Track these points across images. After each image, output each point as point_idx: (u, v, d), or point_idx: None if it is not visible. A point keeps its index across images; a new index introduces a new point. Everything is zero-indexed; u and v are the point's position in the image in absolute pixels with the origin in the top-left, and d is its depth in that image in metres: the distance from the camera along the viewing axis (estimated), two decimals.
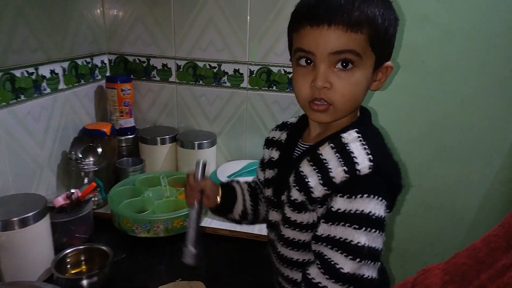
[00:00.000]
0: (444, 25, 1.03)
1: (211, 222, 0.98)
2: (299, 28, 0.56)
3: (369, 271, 0.56)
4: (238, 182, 0.80)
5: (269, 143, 0.72)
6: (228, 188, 0.76)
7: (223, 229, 0.97)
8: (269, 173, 0.70)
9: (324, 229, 0.57)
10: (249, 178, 1.03)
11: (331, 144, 0.58)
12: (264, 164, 0.73)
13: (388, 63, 0.60)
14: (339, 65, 0.56)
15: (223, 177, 1.07)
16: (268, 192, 0.70)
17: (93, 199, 0.98)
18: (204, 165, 0.71)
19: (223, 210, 0.76)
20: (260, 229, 0.97)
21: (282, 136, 0.70)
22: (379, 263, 0.57)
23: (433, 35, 1.04)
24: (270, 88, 1.16)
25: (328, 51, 0.55)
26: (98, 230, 0.96)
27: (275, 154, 0.70)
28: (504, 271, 0.34)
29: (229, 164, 1.17)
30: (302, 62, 0.58)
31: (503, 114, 1.06)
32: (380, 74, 0.60)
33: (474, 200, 1.16)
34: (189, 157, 1.16)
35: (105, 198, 1.03)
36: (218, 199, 0.73)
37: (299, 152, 0.66)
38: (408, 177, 1.16)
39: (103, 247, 0.83)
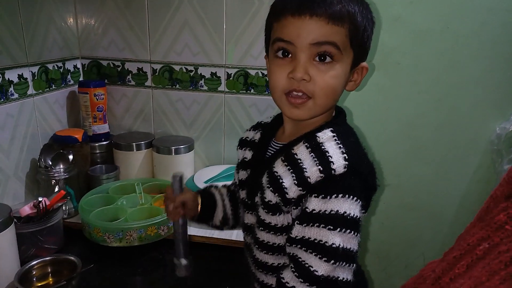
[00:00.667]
0: (417, 26, 1.04)
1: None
2: (280, 18, 0.56)
3: (344, 273, 0.54)
4: (216, 187, 0.77)
5: (242, 143, 0.71)
6: (207, 196, 0.74)
7: (199, 236, 0.94)
8: (242, 174, 0.68)
9: (298, 231, 0.55)
10: (228, 182, 1.02)
11: (306, 144, 0.56)
12: (238, 165, 0.71)
13: (364, 64, 0.60)
14: (318, 58, 0.55)
15: (200, 183, 1.04)
16: (242, 194, 0.68)
17: (63, 208, 0.94)
18: (181, 178, 0.69)
19: (204, 218, 0.73)
20: (238, 235, 0.94)
21: (256, 136, 0.69)
22: (354, 265, 0.55)
23: (407, 36, 1.05)
24: (248, 91, 1.15)
25: (308, 42, 0.54)
26: (68, 241, 0.92)
27: (248, 154, 0.68)
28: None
29: (207, 169, 1.15)
30: (280, 54, 0.57)
31: (478, 112, 1.07)
32: (355, 75, 0.60)
33: (452, 199, 1.16)
34: (166, 163, 1.13)
35: (77, 206, 0.99)
36: (199, 208, 0.71)
37: (272, 152, 0.64)
38: (383, 177, 1.16)
39: (71, 257, 0.79)
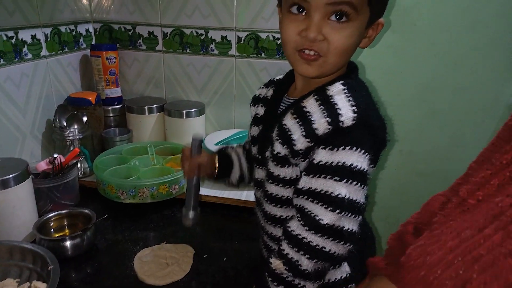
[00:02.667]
0: None
1: None
2: None
3: (349, 224, 0.55)
4: (233, 147, 0.78)
5: (255, 100, 0.71)
6: (224, 156, 0.76)
7: (210, 195, 0.96)
8: (254, 130, 0.69)
9: (305, 182, 0.56)
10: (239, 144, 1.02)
11: (316, 96, 0.56)
12: (251, 122, 0.71)
13: (380, 20, 0.58)
14: (333, 17, 0.53)
15: (211, 145, 1.05)
16: (254, 149, 0.69)
17: (78, 166, 0.97)
18: (201, 141, 0.72)
19: (221, 177, 0.75)
20: (248, 195, 0.96)
21: (269, 92, 0.68)
22: (360, 216, 0.56)
23: None
24: (259, 55, 1.14)
25: (324, 2, 0.52)
26: (84, 198, 0.95)
27: (260, 111, 0.68)
28: (484, 183, 0.32)
29: (218, 133, 1.16)
30: (294, 9, 0.55)
31: (496, 75, 1.04)
32: (370, 31, 0.58)
33: (467, 165, 1.14)
34: (177, 126, 1.15)
35: (91, 167, 1.01)
36: (216, 168, 0.73)
37: (284, 107, 0.64)
38: (396, 140, 1.14)
39: (86, 211, 0.82)
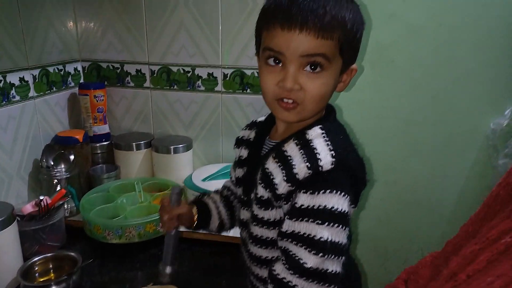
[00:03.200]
0: (411, 23, 1.04)
1: None
2: (270, 28, 0.56)
3: (333, 266, 0.56)
4: (209, 196, 0.79)
5: (239, 142, 0.73)
6: (201, 206, 0.76)
7: (197, 232, 0.96)
8: (239, 172, 0.71)
9: (288, 225, 0.57)
10: (223, 181, 1.04)
11: (296, 141, 0.58)
12: (235, 163, 0.73)
13: (353, 66, 0.61)
14: (308, 68, 0.56)
15: (198, 181, 1.06)
16: (239, 191, 0.71)
17: (65, 207, 0.97)
18: (180, 192, 0.72)
19: (200, 228, 0.76)
20: (235, 232, 0.96)
21: (251, 134, 0.71)
22: (343, 257, 0.57)
23: (401, 33, 1.06)
24: (244, 91, 1.17)
25: (298, 54, 0.54)
26: (70, 239, 0.95)
27: (244, 153, 0.70)
28: (473, 258, 0.32)
29: (205, 168, 1.17)
30: (271, 61, 0.57)
31: (474, 107, 1.08)
32: (345, 76, 0.61)
33: (450, 194, 1.16)
34: (165, 162, 1.16)
35: (78, 206, 1.01)
36: (195, 218, 0.73)
37: (266, 149, 0.66)
38: (381, 174, 1.16)
39: (72, 254, 0.81)
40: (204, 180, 1.06)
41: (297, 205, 0.56)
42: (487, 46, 1.03)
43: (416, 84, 1.10)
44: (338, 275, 0.56)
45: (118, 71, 1.22)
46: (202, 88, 1.19)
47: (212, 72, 1.17)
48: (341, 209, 0.54)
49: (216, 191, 0.81)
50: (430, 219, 1.20)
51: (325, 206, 0.54)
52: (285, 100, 0.58)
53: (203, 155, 1.25)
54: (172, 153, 1.14)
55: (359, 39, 0.59)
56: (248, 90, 1.16)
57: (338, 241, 0.55)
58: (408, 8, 1.04)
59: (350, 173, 0.57)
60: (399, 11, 1.04)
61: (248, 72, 1.15)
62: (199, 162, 1.25)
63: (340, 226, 0.55)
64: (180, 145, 1.15)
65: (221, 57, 1.15)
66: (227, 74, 1.16)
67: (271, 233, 0.62)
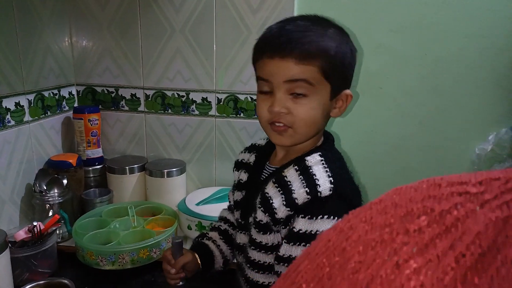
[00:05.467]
0: (397, 53, 1.09)
1: None
2: (259, 59, 0.62)
3: None
4: (208, 237, 0.79)
5: (238, 165, 0.75)
6: (203, 250, 0.76)
7: None
8: (238, 195, 0.72)
9: (285, 250, 0.59)
10: (219, 205, 1.05)
11: (295, 167, 0.61)
12: (234, 187, 0.75)
13: (347, 91, 0.63)
14: (293, 93, 0.60)
15: (192, 205, 1.07)
16: (237, 214, 0.72)
17: (57, 232, 0.96)
18: (181, 243, 0.73)
19: (206, 271, 0.76)
20: None
21: (251, 158, 0.73)
22: None
23: (388, 62, 1.10)
24: (238, 115, 1.19)
25: (282, 80, 0.59)
26: (62, 265, 0.94)
27: (243, 176, 0.72)
28: None
29: (199, 191, 1.17)
30: (263, 89, 0.62)
31: (460, 133, 1.12)
32: (340, 102, 0.64)
33: None
34: (158, 186, 1.16)
35: (70, 230, 1.01)
36: (199, 262, 0.74)
37: (266, 174, 0.68)
38: (371, 199, 1.18)
39: (65, 281, 0.80)
40: (198, 204, 1.07)
41: (295, 230, 0.57)
42: (470, 75, 1.08)
43: (404, 111, 1.14)
44: None
45: (113, 95, 1.23)
46: (196, 112, 1.21)
47: (206, 97, 1.19)
48: None
49: (214, 228, 0.82)
50: None
51: (322, 231, 0.56)
52: (276, 123, 0.61)
53: (197, 178, 1.26)
54: (165, 176, 1.15)
55: (347, 66, 0.62)
56: (242, 115, 1.19)
57: None
58: (394, 39, 1.09)
59: (347, 200, 0.59)
60: (386, 41, 1.09)
61: (242, 97, 1.17)
62: (193, 185, 1.26)
63: None
64: (174, 169, 1.16)
65: (215, 82, 1.18)
66: (221, 98, 1.19)
67: (268, 258, 0.64)
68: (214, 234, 0.79)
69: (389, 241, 0.20)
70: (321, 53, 0.58)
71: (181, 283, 0.72)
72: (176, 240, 0.72)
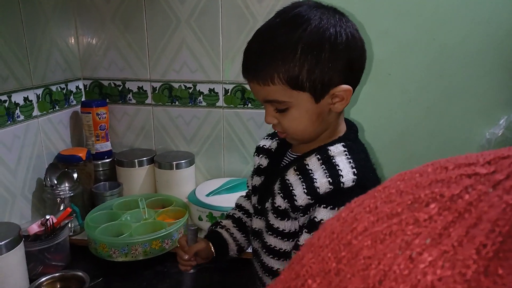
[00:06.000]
0: (404, 38, 1.08)
1: None
2: None
3: None
4: (221, 224, 0.79)
5: (259, 150, 0.75)
6: (216, 238, 0.77)
7: None
8: (256, 180, 0.72)
9: (305, 239, 0.58)
10: (229, 196, 1.05)
11: (318, 156, 0.60)
12: (253, 172, 0.75)
13: (343, 86, 0.58)
14: (276, 108, 0.61)
15: (202, 196, 1.07)
16: (254, 199, 0.72)
17: (69, 225, 0.97)
18: (196, 230, 0.74)
19: (220, 259, 0.77)
20: None
21: (273, 144, 0.73)
22: None
23: (396, 48, 1.09)
24: (246, 106, 1.19)
25: (260, 100, 0.62)
26: (75, 258, 0.94)
27: (264, 162, 0.72)
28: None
29: (208, 182, 1.17)
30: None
31: (467, 119, 1.11)
32: (337, 98, 0.60)
33: None
34: (168, 178, 1.16)
35: (82, 224, 1.01)
36: (213, 250, 0.75)
37: (287, 161, 0.68)
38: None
39: (79, 273, 0.81)
40: (208, 195, 1.07)
41: (317, 219, 0.57)
42: (477, 60, 1.07)
43: (411, 96, 1.13)
44: None
45: (120, 88, 1.23)
46: (204, 103, 1.20)
47: (214, 88, 1.19)
48: None
49: (228, 216, 0.82)
50: None
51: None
52: (277, 130, 0.64)
53: (205, 170, 1.26)
54: (174, 168, 1.15)
55: (325, 66, 0.56)
56: (249, 105, 1.18)
57: None
58: (401, 24, 1.08)
59: None
60: (393, 27, 1.08)
61: (249, 87, 1.17)
62: (202, 177, 1.26)
63: None
64: (183, 161, 1.16)
65: (222, 73, 1.17)
66: (228, 89, 1.18)
67: (284, 245, 0.63)
68: (227, 222, 0.79)
69: (399, 232, 0.19)
70: (280, 71, 0.55)
71: (192, 270, 0.72)
72: (191, 228, 0.73)
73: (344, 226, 0.22)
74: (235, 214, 0.80)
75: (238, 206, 0.82)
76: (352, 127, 0.68)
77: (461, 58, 1.08)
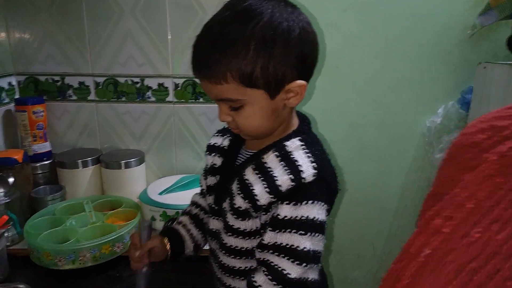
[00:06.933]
0: (351, 32, 1.12)
1: None
2: None
3: (312, 274, 0.58)
4: (179, 221, 0.77)
5: (211, 149, 0.72)
6: (172, 235, 0.74)
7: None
8: (211, 180, 0.70)
9: (270, 237, 0.58)
10: (183, 193, 1.02)
11: (276, 153, 0.59)
12: (206, 171, 0.72)
13: (298, 82, 0.58)
14: (229, 106, 0.59)
15: (154, 195, 1.02)
16: (210, 199, 0.70)
17: (6, 234, 0.88)
18: (150, 226, 0.70)
19: (176, 255, 0.74)
20: None
21: (225, 142, 0.70)
22: (320, 265, 0.59)
23: (343, 41, 1.13)
24: (197, 100, 1.16)
25: (212, 98, 0.59)
26: (14, 269, 0.86)
27: (217, 161, 0.69)
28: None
29: (160, 181, 1.13)
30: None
31: (410, 108, 1.18)
32: (291, 93, 0.59)
33: (394, 189, 1.26)
34: (116, 178, 1.10)
35: (20, 232, 0.93)
36: (168, 247, 0.71)
37: (242, 159, 0.66)
38: (343, 181, 1.22)
39: (21, 286, 0.74)
40: (161, 193, 1.03)
41: (280, 217, 0.56)
42: (418, 53, 1.14)
43: (359, 89, 1.18)
44: (315, 282, 0.59)
45: (59, 84, 1.14)
46: (153, 99, 1.15)
47: (163, 82, 1.14)
48: (321, 219, 0.57)
49: (184, 213, 0.79)
50: (378, 214, 1.28)
51: (307, 217, 0.55)
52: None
53: (157, 168, 1.21)
54: (123, 168, 1.09)
55: (279, 63, 0.55)
56: (201, 99, 1.16)
57: (318, 250, 0.57)
58: (348, 18, 1.11)
59: (327, 184, 0.59)
60: (340, 21, 1.11)
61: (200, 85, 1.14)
62: (153, 175, 1.21)
63: (320, 235, 0.57)
64: (132, 159, 1.10)
65: (171, 67, 1.13)
66: (179, 83, 1.14)
67: (245, 243, 0.62)
68: (184, 219, 0.76)
69: None
70: (233, 70, 0.53)
71: (145, 269, 0.68)
72: (145, 224, 0.69)
73: None
74: (191, 210, 0.78)
75: (194, 204, 0.79)
76: (304, 119, 0.68)
77: (403, 51, 1.14)
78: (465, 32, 1.09)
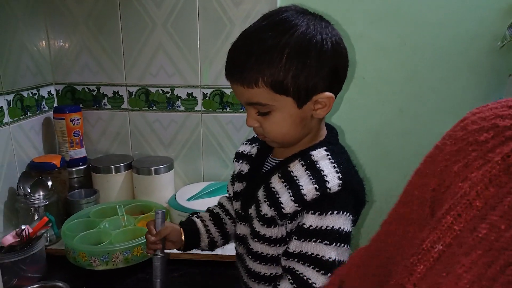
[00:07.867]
0: (378, 43, 1.13)
1: None
2: None
3: None
4: (198, 215, 0.79)
5: (239, 156, 0.74)
6: (189, 225, 0.76)
7: (186, 253, 0.95)
8: (238, 186, 0.72)
9: (296, 246, 0.59)
10: (211, 200, 1.04)
11: (301, 162, 0.60)
12: (234, 178, 0.74)
13: (327, 94, 0.59)
14: (258, 111, 0.61)
15: (182, 201, 1.06)
16: (236, 205, 0.72)
17: (45, 235, 0.93)
18: (163, 214, 0.72)
19: (190, 246, 0.76)
20: (224, 250, 0.96)
21: (253, 150, 0.72)
22: None
23: (369, 52, 1.14)
24: (224, 110, 1.19)
25: (243, 102, 0.61)
26: (51, 268, 0.91)
27: (244, 168, 0.71)
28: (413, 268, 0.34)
29: (188, 187, 1.17)
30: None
31: (436, 118, 1.17)
32: (319, 105, 0.60)
33: None
34: (146, 183, 1.14)
35: (58, 233, 0.98)
36: (183, 238, 0.74)
37: (268, 167, 0.68)
38: (372, 193, 1.22)
39: (59, 283, 0.78)
40: (189, 199, 1.06)
41: (305, 226, 0.57)
42: (445, 62, 1.13)
43: (384, 98, 1.18)
44: None
45: (94, 93, 1.20)
46: (182, 108, 1.20)
47: (192, 92, 1.18)
48: (346, 229, 0.57)
49: (207, 210, 0.82)
50: None
51: (332, 227, 0.56)
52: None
53: (184, 175, 1.25)
54: (153, 174, 1.14)
55: (309, 74, 0.57)
56: (228, 109, 1.19)
57: (343, 260, 0.58)
58: (375, 30, 1.12)
59: (354, 194, 0.60)
60: (367, 32, 1.13)
61: (228, 91, 1.17)
62: (181, 181, 1.25)
63: (345, 245, 0.58)
64: (161, 166, 1.14)
65: (200, 77, 1.17)
66: (207, 93, 1.18)
67: (271, 250, 0.63)
68: (205, 215, 0.79)
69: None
70: (266, 75, 0.56)
71: (160, 254, 0.71)
72: (159, 212, 0.72)
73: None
74: (214, 209, 0.80)
75: (220, 204, 0.82)
76: (332, 130, 0.69)
77: (430, 60, 1.14)
78: (494, 42, 1.08)
